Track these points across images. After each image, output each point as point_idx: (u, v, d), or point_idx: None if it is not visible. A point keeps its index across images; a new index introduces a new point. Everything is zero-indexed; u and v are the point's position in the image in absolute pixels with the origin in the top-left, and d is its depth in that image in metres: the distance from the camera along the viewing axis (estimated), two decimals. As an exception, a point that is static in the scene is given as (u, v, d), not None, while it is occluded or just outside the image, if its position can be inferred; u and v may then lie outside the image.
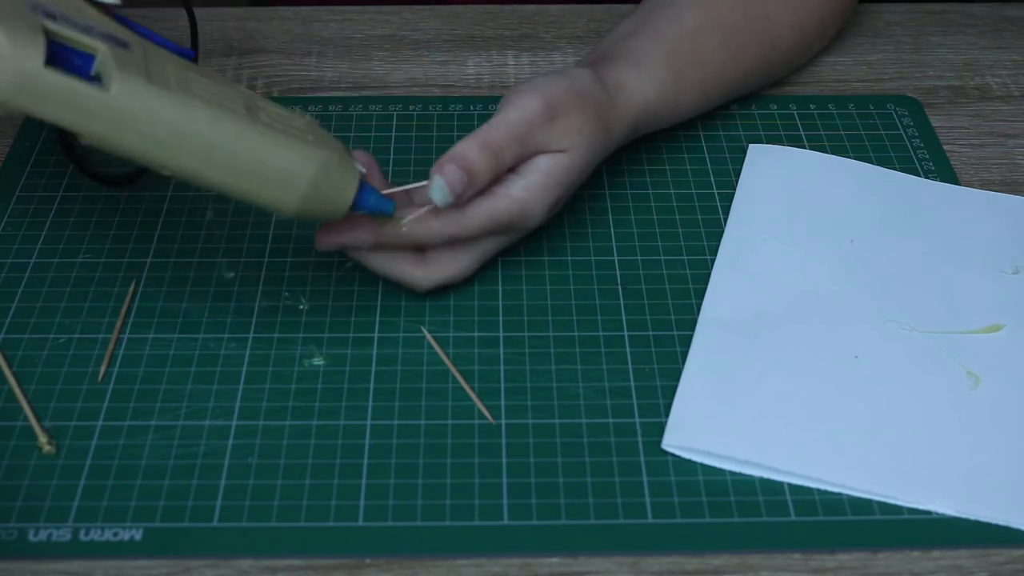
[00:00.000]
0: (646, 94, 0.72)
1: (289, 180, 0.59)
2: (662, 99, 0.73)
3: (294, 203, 0.59)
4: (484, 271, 0.70)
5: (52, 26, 0.54)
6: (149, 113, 0.55)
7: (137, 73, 0.55)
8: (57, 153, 0.79)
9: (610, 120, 0.69)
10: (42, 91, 0.53)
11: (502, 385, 0.64)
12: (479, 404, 0.63)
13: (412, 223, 0.64)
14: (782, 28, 0.81)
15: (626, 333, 0.67)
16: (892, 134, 0.82)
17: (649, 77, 0.72)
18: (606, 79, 0.70)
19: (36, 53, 0.52)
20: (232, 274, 0.67)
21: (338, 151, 0.61)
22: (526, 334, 0.67)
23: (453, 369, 0.65)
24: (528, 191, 0.65)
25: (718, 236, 0.73)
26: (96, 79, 0.55)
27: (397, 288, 0.69)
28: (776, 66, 0.83)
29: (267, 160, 0.58)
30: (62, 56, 0.54)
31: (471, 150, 0.63)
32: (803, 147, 0.80)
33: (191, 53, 0.64)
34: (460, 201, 0.63)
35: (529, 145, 0.65)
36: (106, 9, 0.62)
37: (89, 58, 0.55)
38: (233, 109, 0.58)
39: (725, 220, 0.74)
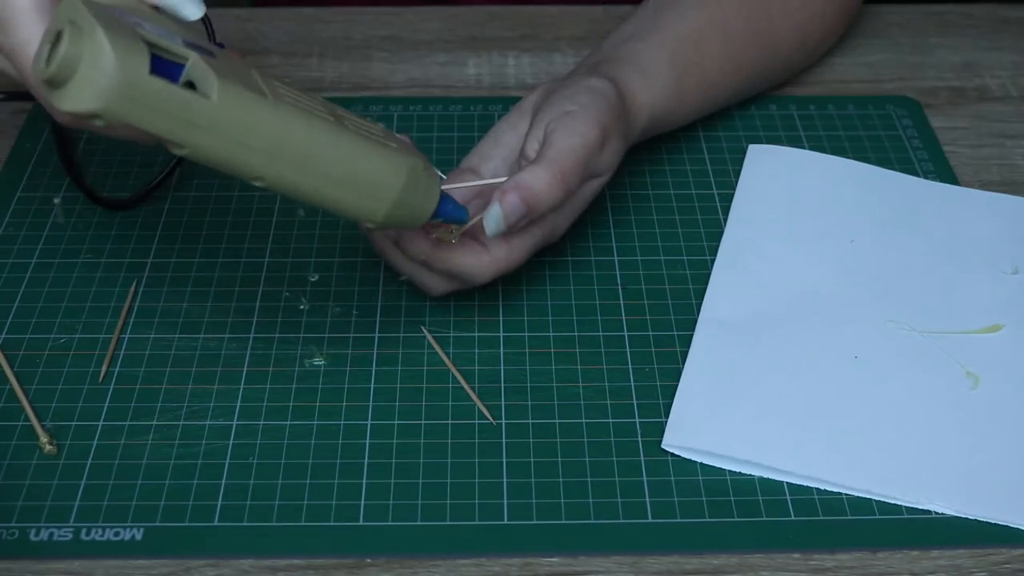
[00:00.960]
0: (653, 103, 0.72)
1: (380, 188, 0.58)
2: (666, 107, 0.73)
3: (384, 211, 0.58)
4: (484, 271, 0.70)
5: (148, 35, 0.53)
6: (249, 121, 0.54)
7: (234, 81, 0.54)
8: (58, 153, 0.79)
9: (630, 135, 0.69)
10: (148, 101, 0.51)
11: (502, 385, 0.64)
12: (479, 404, 0.63)
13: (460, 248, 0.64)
14: (784, 32, 0.81)
15: (626, 333, 0.67)
16: (891, 135, 0.82)
17: (655, 85, 0.72)
18: (623, 90, 0.69)
19: (141, 62, 0.51)
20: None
21: (422, 158, 0.60)
22: (526, 334, 0.67)
23: (453, 369, 0.65)
24: (564, 215, 0.66)
25: (718, 236, 0.73)
26: (192, 87, 0.53)
27: (397, 288, 0.69)
28: (778, 72, 0.83)
29: (360, 168, 0.57)
30: (159, 65, 0.53)
31: (541, 181, 0.62)
32: (803, 147, 0.80)
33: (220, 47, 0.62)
34: (511, 231, 0.63)
35: (588, 173, 0.65)
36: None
37: (180, 68, 0.54)
38: (323, 116, 0.57)
39: (725, 220, 0.74)
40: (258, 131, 0.54)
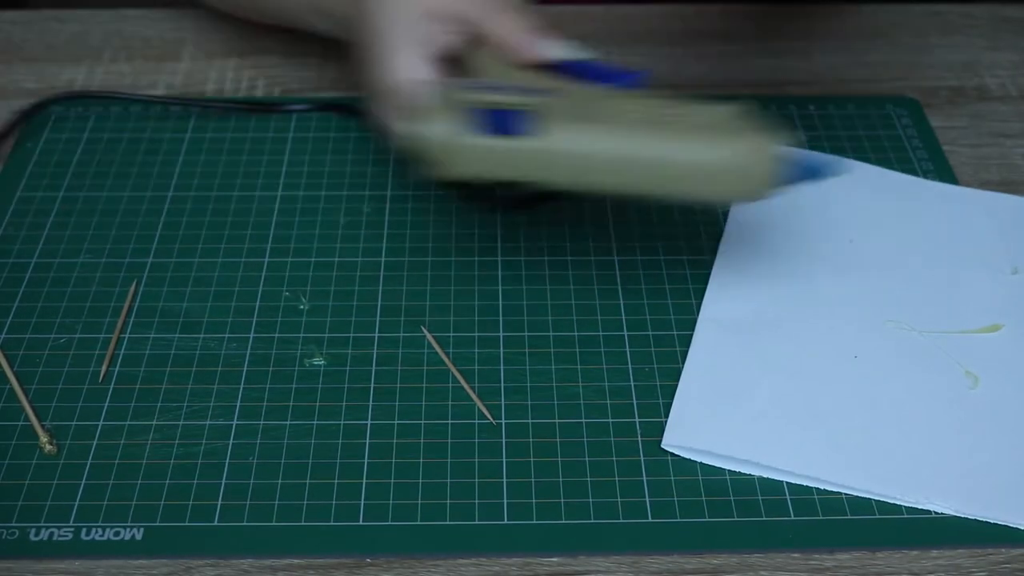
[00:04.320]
0: None
1: (736, 174, 0.61)
2: None
3: (745, 193, 0.62)
4: (484, 271, 0.70)
5: (481, 95, 0.62)
6: (582, 151, 0.61)
7: (566, 117, 0.61)
8: (59, 153, 0.79)
9: None
10: (485, 156, 0.61)
11: (502, 385, 0.64)
12: (479, 404, 0.63)
13: None
14: None
15: (626, 333, 0.67)
16: (891, 134, 0.82)
17: None
18: None
19: (473, 124, 0.60)
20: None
21: (763, 131, 0.62)
22: (526, 334, 0.67)
23: (453, 369, 0.65)
24: None
25: (718, 236, 0.73)
26: (527, 130, 0.61)
27: (397, 288, 0.69)
28: None
29: (704, 164, 0.61)
30: (495, 118, 0.61)
31: None
32: (803, 147, 0.80)
33: (640, 74, 0.68)
34: None
35: None
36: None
37: (517, 115, 0.61)
38: (663, 122, 0.62)
39: (725, 220, 0.74)
40: (590, 157, 0.61)
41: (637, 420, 0.62)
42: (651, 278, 0.70)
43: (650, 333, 0.67)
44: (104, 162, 0.79)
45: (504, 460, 0.60)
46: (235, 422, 0.62)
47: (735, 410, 0.62)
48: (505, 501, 0.58)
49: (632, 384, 0.64)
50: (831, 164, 0.63)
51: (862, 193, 0.76)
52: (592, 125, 0.61)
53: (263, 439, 0.61)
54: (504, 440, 0.61)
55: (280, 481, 0.59)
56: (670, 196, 0.62)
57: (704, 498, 0.58)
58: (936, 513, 0.58)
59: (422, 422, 0.62)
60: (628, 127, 0.61)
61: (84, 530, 0.57)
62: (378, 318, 0.68)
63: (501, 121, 0.61)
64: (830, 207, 0.75)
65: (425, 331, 0.67)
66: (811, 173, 0.62)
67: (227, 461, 0.60)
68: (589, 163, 0.61)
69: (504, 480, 0.59)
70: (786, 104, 0.85)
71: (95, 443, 0.61)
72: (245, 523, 0.57)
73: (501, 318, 0.68)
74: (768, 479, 0.59)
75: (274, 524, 0.57)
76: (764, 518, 0.58)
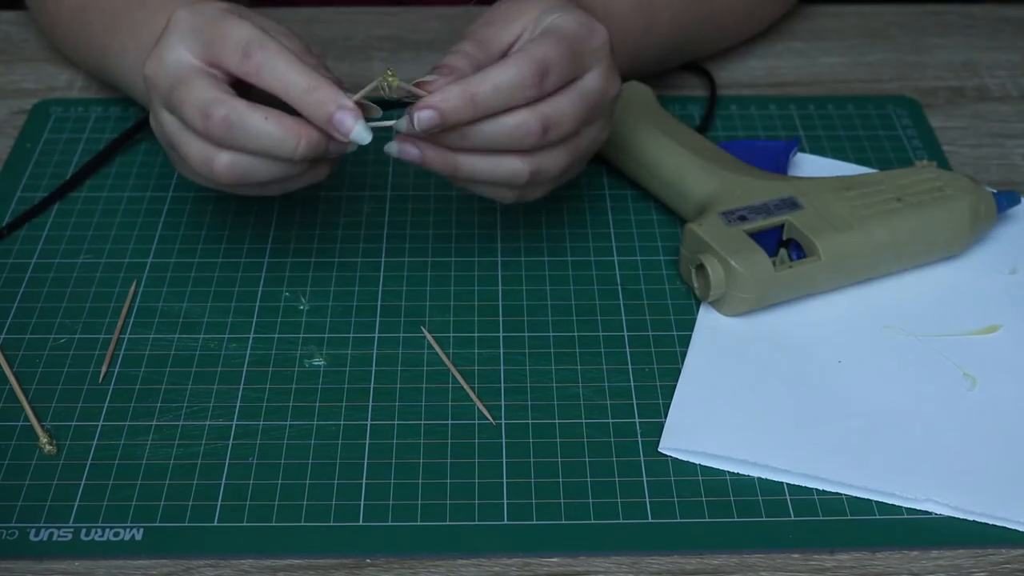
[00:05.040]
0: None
1: (955, 236, 0.69)
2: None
3: (965, 244, 0.70)
4: (484, 271, 0.70)
5: (749, 225, 0.67)
6: (849, 255, 0.67)
7: (827, 229, 0.67)
8: (58, 154, 0.79)
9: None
10: (782, 288, 0.66)
11: (502, 385, 0.64)
12: (479, 404, 0.63)
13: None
14: None
15: (626, 333, 0.67)
16: (891, 134, 0.82)
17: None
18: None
19: (765, 264, 0.65)
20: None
21: (971, 184, 0.70)
22: (526, 334, 0.67)
23: (453, 369, 0.65)
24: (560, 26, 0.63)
25: (718, 236, 0.73)
26: (806, 253, 0.67)
27: (397, 288, 0.69)
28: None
29: (934, 232, 0.69)
30: (793, 246, 0.68)
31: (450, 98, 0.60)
32: (803, 148, 0.80)
33: (795, 143, 0.76)
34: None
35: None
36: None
37: (774, 233, 0.68)
38: (891, 209, 0.68)
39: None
40: (856, 256, 0.67)
41: (637, 420, 0.62)
42: (651, 278, 0.70)
43: (650, 333, 0.67)
44: (104, 162, 0.78)
45: (504, 460, 0.60)
46: (235, 422, 0.62)
47: (733, 413, 0.62)
48: (505, 501, 0.58)
49: (632, 384, 0.64)
50: (1014, 193, 0.72)
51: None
52: (854, 232, 0.67)
53: (263, 439, 0.61)
54: (504, 440, 0.61)
55: (280, 481, 0.59)
56: (912, 264, 0.70)
57: (704, 499, 0.58)
58: (936, 514, 0.58)
59: (422, 422, 0.62)
60: (877, 224, 0.67)
61: (84, 530, 0.57)
62: (378, 318, 0.68)
63: (795, 247, 0.68)
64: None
65: (425, 331, 0.67)
66: (1008, 202, 0.72)
67: (227, 461, 0.60)
68: (855, 267, 0.68)
69: (504, 480, 0.59)
70: (786, 104, 0.85)
71: (95, 443, 0.61)
72: (245, 523, 0.57)
73: (501, 318, 0.68)
74: (768, 480, 0.59)
75: (274, 524, 0.57)
76: (764, 518, 0.58)
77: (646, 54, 0.79)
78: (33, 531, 0.57)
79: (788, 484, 0.59)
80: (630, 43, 0.76)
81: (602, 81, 0.63)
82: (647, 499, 0.58)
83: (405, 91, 0.61)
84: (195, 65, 0.61)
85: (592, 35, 0.63)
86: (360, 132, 0.59)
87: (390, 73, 0.60)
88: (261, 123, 0.59)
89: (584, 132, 0.64)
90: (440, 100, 0.59)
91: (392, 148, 0.63)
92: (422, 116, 0.59)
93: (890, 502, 0.58)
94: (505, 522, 0.57)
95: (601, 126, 0.66)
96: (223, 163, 0.60)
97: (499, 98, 0.60)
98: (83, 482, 0.59)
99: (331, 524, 0.57)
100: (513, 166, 0.63)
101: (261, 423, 0.62)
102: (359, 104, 0.60)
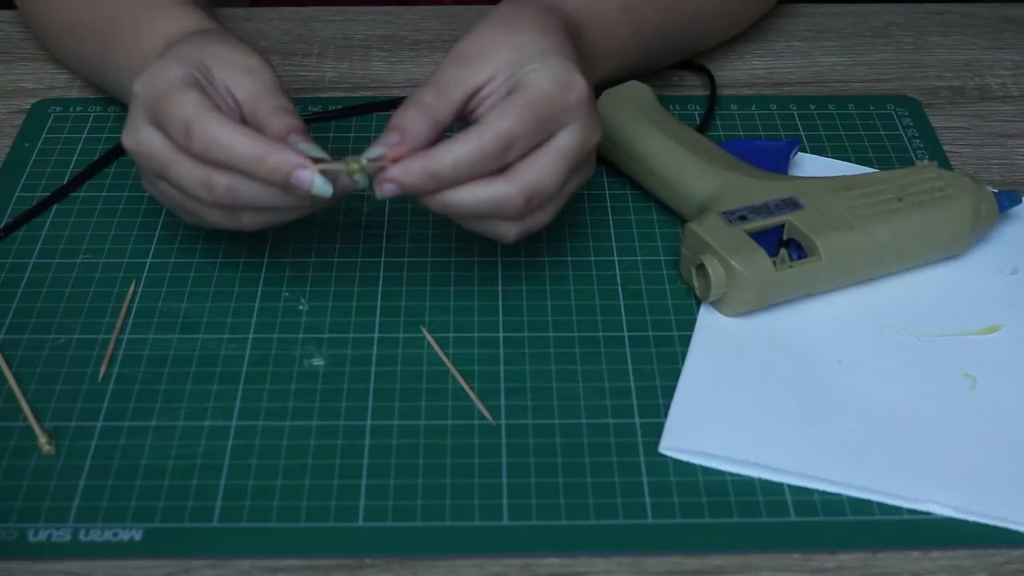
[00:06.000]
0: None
1: (955, 235, 0.69)
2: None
3: (966, 244, 0.70)
4: (484, 271, 0.70)
5: (750, 224, 0.67)
6: (849, 254, 0.67)
7: (828, 229, 0.67)
8: (57, 154, 0.79)
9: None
10: (782, 288, 0.66)
11: (502, 385, 0.64)
12: (479, 404, 0.63)
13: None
14: None
15: (626, 333, 0.67)
16: (892, 134, 0.82)
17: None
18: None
19: (766, 264, 0.65)
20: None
21: (973, 184, 0.70)
22: (526, 334, 0.67)
23: (453, 369, 0.65)
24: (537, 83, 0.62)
25: (718, 236, 0.73)
26: (806, 252, 0.67)
27: (397, 288, 0.69)
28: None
29: (935, 231, 0.69)
30: (793, 246, 0.68)
31: (411, 172, 0.60)
32: (803, 148, 0.80)
33: (796, 143, 0.76)
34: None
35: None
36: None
37: (774, 233, 0.68)
38: (893, 209, 0.68)
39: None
40: (857, 256, 0.67)
41: (637, 421, 0.62)
42: (651, 278, 0.70)
43: (650, 334, 0.67)
44: (103, 165, 0.78)
45: (504, 461, 0.60)
46: (234, 423, 0.62)
47: (734, 413, 0.62)
48: (505, 502, 0.58)
49: (632, 385, 0.64)
50: (1015, 193, 0.72)
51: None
52: (854, 231, 0.67)
53: (262, 440, 0.61)
54: (504, 441, 0.61)
55: (279, 482, 0.59)
56: (913, 264, 0.70)
57: (704, 499, 0.58)
58: (937, 514, 0.58)
59: (422, 423, 0.62)
60: (878, 223, 0.67)
61: (83, 531, 0.57)
62: (378, 318, 0.68)
63: (796, 247, 0.67)
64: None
65: (425, 331, 0.67)
66: (1010, 202, 0.72)
67: (226, 462, 0.60)
68: (856, 267, 0.68)
69: (504, 481, 0.59)
70: (786, 104, 0.85)
71: (94, 443, 0.60)
72: (244, 524, 0.57)
73: (501, 318, 0.68)
74: (768, 480, 0.59)
75: (273, 525, 0.57)
76: (765, 519, 0.57)
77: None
78: (32, 531, 0.57)
79: (789, 484, 0.59)
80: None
81: (579, 137, 0.62)
82: (647, 499, 0.58)
83: (369, 171, 0.61)
84: (161, 142, 0.62)
85: (567, 92, 0.62)
86: (320, 185, 0.59)
87: (356, 167, 0.60)
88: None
89: (568, 184, 0.64)
90: (402, 174, 0.60)
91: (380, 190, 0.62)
92: (385, 189, 0.60)
93: (891, 502, 0.58)
94: (505, 522, 0.57)
95: (585, 170, 0.65)
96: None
97: (460, 173, 0.60)
98: (82, 482, 0.59)
99: (331, 524, 0.57)
100: (501, 229, 0.63)
101: (260, 423, 0.62)
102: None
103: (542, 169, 0.61)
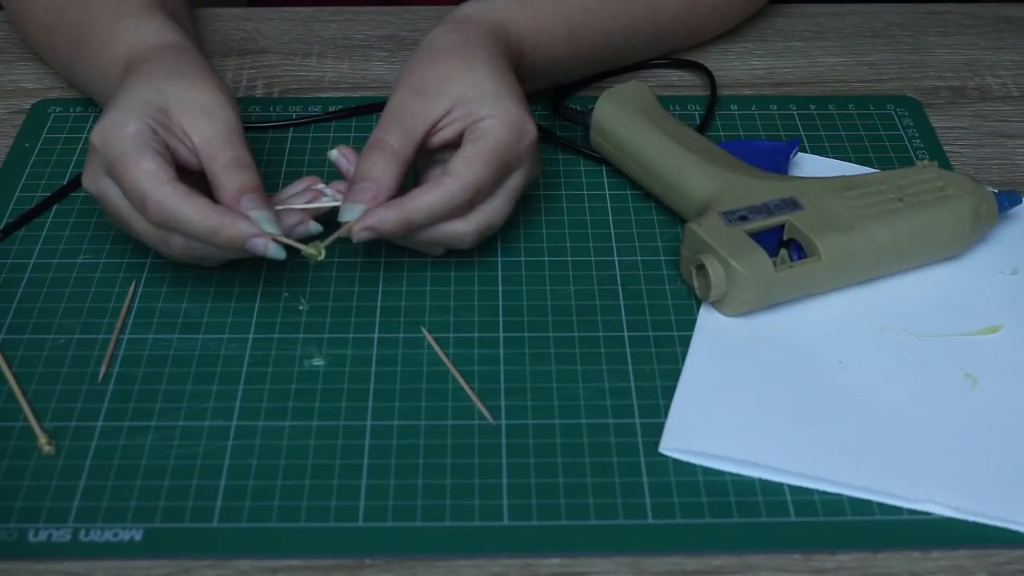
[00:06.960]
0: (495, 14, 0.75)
1: (955, 235, 0.69)
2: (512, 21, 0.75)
3: (966, 244, 0.70)
4: (484, 271, 0.70)
5: (751, 224, 0.67)
6: (848, 254, 0.66)
7: (829, 228, 0.67)
8: (57, 154, 0.79)
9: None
10: (782, 288, 0.66)
11: (502, 385, 0.64)
12: (479, 404, 0.63)
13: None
14: None
15: (626, 333, 0.67)
16: (892, 134, 0.82)
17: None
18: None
19: (766, 264, 0.65)
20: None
21: (973, 184, 0.70)
22: (526, 334, 0.67)
23: (453, 369, 0.65)
24: (497, 117, 0.67)
25: (718, 236, 0.73)
26: (806, 252, 0.67)
27: (397, 288, 0.69)
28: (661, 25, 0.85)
29: (935, 232, 0.69)
30: (794, 247, 0.68)
31: (389, 219, 0.65)
32: (803, 148, 0.80)
33: (796, 143, 0.76)
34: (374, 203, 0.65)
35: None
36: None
37: (774, 233, 0.68)
38: (893, 209, 0.68)
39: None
40: (857, 256, 0.67)
41: (637, 421, 0.62)
42: (651, 278, 0.70)
43: (650, 334, 0.67)
44: (103, 162, 0.78)
45: (504, 461, 0.60)
46: (234, 423, 0.62)
47: (734, 413, 0.62)
48: (505, 502, 0.58)
49: (632, 385, 0.64)
50: (1016, 193, 0.72)
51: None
52: (854, 231, 0.67)
53: (262, 440, 0.61)
54: (504, 441, 0.61)
55: (279, 482, 0.59)
56: (913, 264, 0.70)
57: (705, 499, 0.58)
58: (937, 514, 0.58)
59: (422, 423, 0.62)
60: (878, 224, 0.67)
61: (83, 531, 0.57)
62: (378, 318, 0.68)
63: (796, 247, 0.67)
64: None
65: (425, 331, 0.67)
66: (1010, 202, 0.72)
67: (226, 462, 0.60)
68: (856, 268, 0.68)
69: (504, 481, 0.59)
70: (786, 104, 0.85)
71: (94, 444, 0.60)
72: (244, 524, 0.57)
73: (501, 318, 0.68)
74: (768, 480, 0.59)
75: (273, 525, 0.57)
76: (765, 519, 0.57)
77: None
78: (32, 531, 0.57)
79: (789, 484, 0.59)
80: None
81: (526, 176, 0.69)
82: (647, 500, 0.58)
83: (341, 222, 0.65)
84: (119, 198, 0.65)
85: (521, 138, 0.68)
86: (275, 251, 0.62)
87: (314, 251, 0.63)
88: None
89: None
90: (378, 223, 0.64)
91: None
92: (361, 236, 0.64)
93: (891, 502, 0.58)
94: (505, 523, 0.57)
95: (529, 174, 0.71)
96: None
97: (433, 220, 0.66)
98: (82, 482, 0.59)
99: (330, 525, 0.57)
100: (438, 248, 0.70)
101: (260, 423, 0.62)
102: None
103: (494, 209, 0.68)
